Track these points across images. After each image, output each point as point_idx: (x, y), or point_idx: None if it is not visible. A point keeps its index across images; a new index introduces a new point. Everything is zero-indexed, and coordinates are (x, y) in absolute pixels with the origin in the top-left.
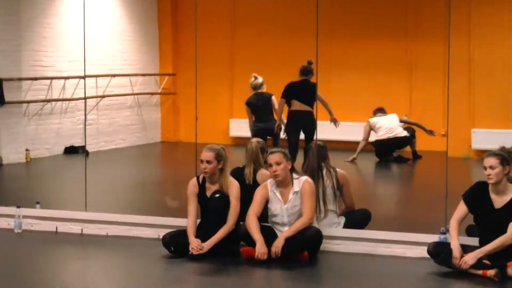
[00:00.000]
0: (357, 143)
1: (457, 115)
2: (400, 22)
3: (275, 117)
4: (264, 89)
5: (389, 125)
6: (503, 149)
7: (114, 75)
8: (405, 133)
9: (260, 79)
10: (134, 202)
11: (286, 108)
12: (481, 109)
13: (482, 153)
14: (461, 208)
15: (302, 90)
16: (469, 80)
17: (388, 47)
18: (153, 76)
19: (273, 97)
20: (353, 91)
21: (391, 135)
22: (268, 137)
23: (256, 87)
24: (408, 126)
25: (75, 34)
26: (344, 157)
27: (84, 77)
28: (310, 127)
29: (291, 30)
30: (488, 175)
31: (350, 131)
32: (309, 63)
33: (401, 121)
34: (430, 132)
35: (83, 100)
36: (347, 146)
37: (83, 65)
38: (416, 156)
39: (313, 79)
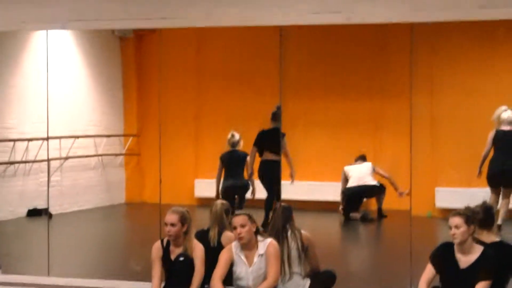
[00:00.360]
0: (322, 202)
1: (421, 174)
2: (364, 80)
3: (245, 177)
4: (241, 146)
5: (359, 174)
6: (468, 208)
7: (78, 136)
8: (374, 183)
9: (237, 137)
10: (98, 265)
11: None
12: (445, 168)
13: (446, 212)
14: (428, 270)
15: (274, 138)
16: (432, 139)
17: (353, 105)
18: (118, 137)
19: (248, 157)
20: (318, 149)
21: (360, 183)
22: (235, 195)
23: (233, 144)
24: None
25: (39, 95)
26: (310, 218)
27: (47, 139)
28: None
29: (256, 88)
30: (453, 234)
31: (315, 190)
32: (278, 108)
33: (374, 170)
34: (400, 194)
35: (47, 162)
36: (310, 207)
37: (47, 126)
38: (381, 214)
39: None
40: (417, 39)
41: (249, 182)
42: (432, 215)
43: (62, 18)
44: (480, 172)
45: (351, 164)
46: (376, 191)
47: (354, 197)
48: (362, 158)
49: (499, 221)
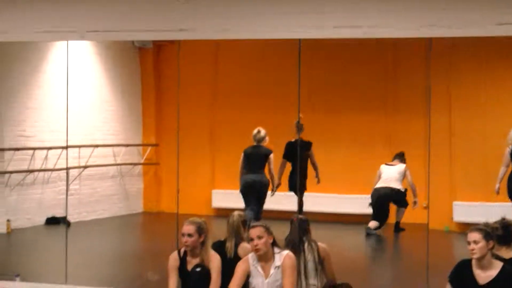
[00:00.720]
0: (337, 215)
1: (438, 188)
2: (379, 96)
3: (266, 175)
4: (266, 143)
5: (388, 175)
6: (486, 224)
7: (97, 145)
8: (399, 187)
9: (262, 133)
10: (114, 275)
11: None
12: (462, 182)
13: (464, 226)
14: None
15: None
16: (450, 153)
17: (368, 121)
18: (136, 147)
19: (271, 155)
20: (334, 164)
21: (385, 184)
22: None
23: (258, 140)
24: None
25: (59, 104)
26: (324, 229)
27: (66, 147)
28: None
29: (272, 103)
30: (472, 249)
31: (331, 203)
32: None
33: (405, 175)
34: (415, 203)
35: (66, 170)
36: (326, 218)
37: (66, 135)
38: (398, 228)
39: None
40: (433, 55)
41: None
42: (450, 230)
43: (81, 29)
44: (498, 190)
45: (388, 164)
46: (399, 196)
47: (380, 200)
48: (400, 157)
49: None
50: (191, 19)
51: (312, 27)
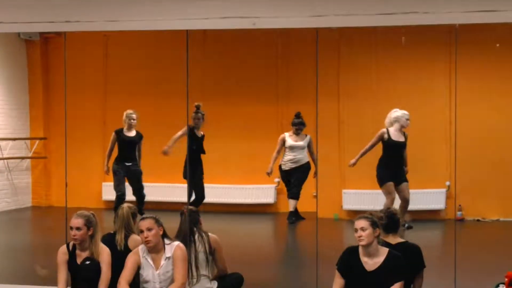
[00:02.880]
0: (231, 205)
1: (328, 176)
2: (271, 86)
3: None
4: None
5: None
6: (372, 213)
7: None
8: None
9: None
10: (3, 270)
11: None
12: (352, 170)
13: (353, 214)
14: (338, 280)
15: None
16: (339, 141)
17: (260, 111)
18: (24, 140)
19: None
20: (227, 153)
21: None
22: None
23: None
24: None
25: None
26: (217, 220)
27: None
28: None
29: (163, 92)
30: (359, 236)
31: (223, 193)
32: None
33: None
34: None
35: None
36: (220, 209)
37: None
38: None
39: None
40: (322, 43)
41: None
42: (339, 218)
43: None
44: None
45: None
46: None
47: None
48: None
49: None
50: (77, 10)
51: (200, 18)
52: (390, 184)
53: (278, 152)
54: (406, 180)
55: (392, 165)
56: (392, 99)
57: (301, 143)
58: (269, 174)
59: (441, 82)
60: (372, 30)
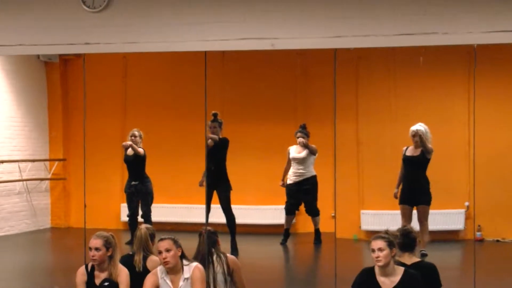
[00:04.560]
0: (248, 226)
1: (346, 197)
2: (289, 106)
3: None
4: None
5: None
6: (388, 232)
7: (2, 161)
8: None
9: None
10: None
11: None
12: (370, 191)
13: (372, 234)
14: None
15: None
16: (358, 162)
17: (278, 131)
18: (43, 162)
19: None
20: (245, 174)
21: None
22: None
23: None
24: None
25: None
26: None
27: None
28: None
29: (181, 113)
30: (377, 257)
31: (240, 214)
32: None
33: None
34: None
35: None
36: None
37: None
38: (318, 238)
39: None
40: (341, 64)
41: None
42: (358, 238)
43: None
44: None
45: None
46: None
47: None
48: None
49: None
50: (96, 32)
51: (218, 39)
52: (403, 207)
53: (288, 164)
54: (425, 203)
55: (406, 184)
56: (410, 119)
57: (302, 154)
58: (282, 185)
59: (459, 102)
60: (391, 51)
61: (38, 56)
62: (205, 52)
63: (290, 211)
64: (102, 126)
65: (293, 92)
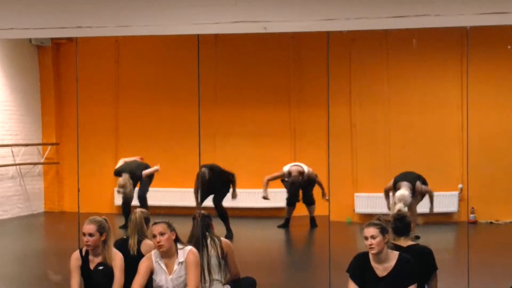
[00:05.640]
0: (241, 209)
1: (340, 180)
2: (283, 90)
3: None
4: None
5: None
6: (380, 219)
7: None
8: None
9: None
10: (16, 276)
11: None
12: (364, 174)
13: (366, 217)
14: (352, 286)
15: None
16: (351, 145)
17: (272, 114)
18: (36, 146)
19: None
20: (238, 158)
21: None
22: None
23: None
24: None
25: None
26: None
27: None
28: None
29: (175, 98)
30: (370, 244)
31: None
32: None
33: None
34: (324, 195)
35: None
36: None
37: None
38: (313, 224)
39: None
40: (334, 47)
41: None
42: (352, 221)
43: None
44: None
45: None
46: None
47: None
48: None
49: None
50: (89, 16)
51: (210, 22)
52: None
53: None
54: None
55: None
56: (403, 102)
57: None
58: (264, 197)
59: (453, 85)
60: (384, 34)
61: (30, 40)
62: (198, 35)
63: (292, 203)
64: (95, 110)
65: (287, 75)
